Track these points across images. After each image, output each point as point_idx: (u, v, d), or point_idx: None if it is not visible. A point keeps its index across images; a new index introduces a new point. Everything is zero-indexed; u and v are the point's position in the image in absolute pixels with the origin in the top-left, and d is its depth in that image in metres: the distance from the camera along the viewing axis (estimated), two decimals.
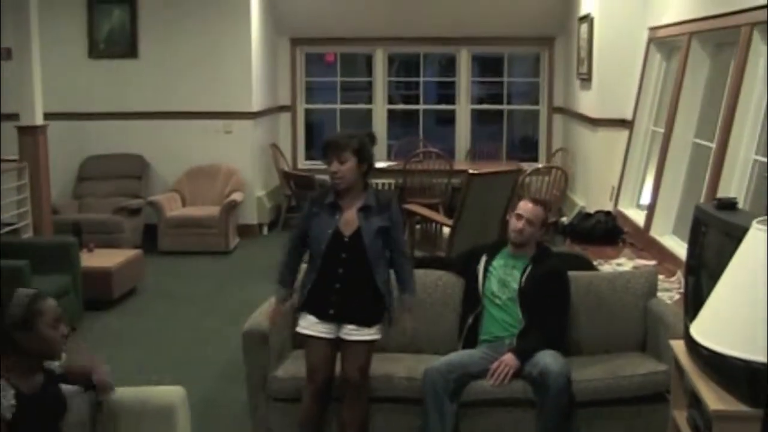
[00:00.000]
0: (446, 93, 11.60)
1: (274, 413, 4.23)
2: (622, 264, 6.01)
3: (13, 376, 2.87)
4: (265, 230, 9.98)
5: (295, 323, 4.10)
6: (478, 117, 11.54)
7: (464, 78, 11.11)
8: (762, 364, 1.92)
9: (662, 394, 4.00)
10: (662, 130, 7.09)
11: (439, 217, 7.59)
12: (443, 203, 9.44)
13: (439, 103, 12.12)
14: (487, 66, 12.13)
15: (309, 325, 3.92)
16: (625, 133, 8.16)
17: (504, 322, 4.30)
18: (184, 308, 7.04)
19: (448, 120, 11.50)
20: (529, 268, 4.32)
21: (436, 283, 4.63)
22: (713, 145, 5.86)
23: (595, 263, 5.48)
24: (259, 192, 9.99)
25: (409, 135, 11.44)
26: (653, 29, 7.65)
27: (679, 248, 6.09)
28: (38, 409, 2.91)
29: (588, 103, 9.00)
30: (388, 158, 10.84)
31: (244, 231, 9.59)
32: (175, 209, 9.15)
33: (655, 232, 6.74)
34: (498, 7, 10.31)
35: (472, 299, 4.42)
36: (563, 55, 10.63)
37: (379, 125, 11.21)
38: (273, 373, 4.22)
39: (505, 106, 11.45)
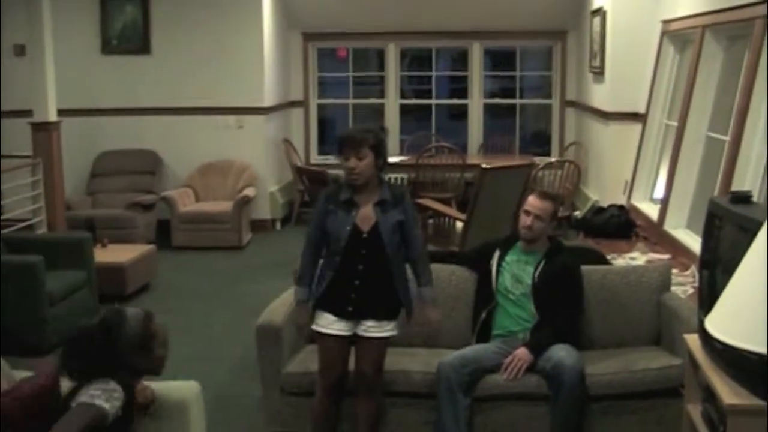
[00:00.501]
0: (458, 87, 11.57)
1: (287, 408, 4.24)
2: (636, 258, 5.99)
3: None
4: (278, 225, 9.99)
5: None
6: (490, 111, 11.51)
7: (476, 72, 11.09)
8: None
9: (676, 388, 3.99)
10: (675, 124, 7.06)
11: (452, 211, 7.58)
12: (456, 198, 9.43)
13: (451, 97, 12.10)
14: (500, 60, 12.10)
15: (327, 324, 3.86)
16: (638, 126, 8.13)
17: (517, 316, 4.30)
18: (197, 303, 7.06)
19: (460, 114, 11.48)
20: (542, 264, 4.30)
21: (449, 278, 4.62)
22: (727, 139, 5.83)
23: (608, 257, 5.46)
24: (272, 187, 10.00)
25: (422, 130, 11.43)
26: (666, 22, 7.61)
27: (693, 242, 6.07)
28: (123, 421, 2.95)
29: (601, 96, 8.97)
30: (401, 153, 10.82)
31: (257, 226, 9.60)
32: (188, 205, 9.17)
33: (668, 226, 6.72)
34: (510, 0, 10.29)
35: (486, 294, 4.41)
36: (576, 49, 10.59)
37: (392, 120, 11.20)
38: (286, 367, 4.23)
39: (517, 100, 11.43)
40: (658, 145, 7.82)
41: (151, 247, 7.71)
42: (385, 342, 3.96)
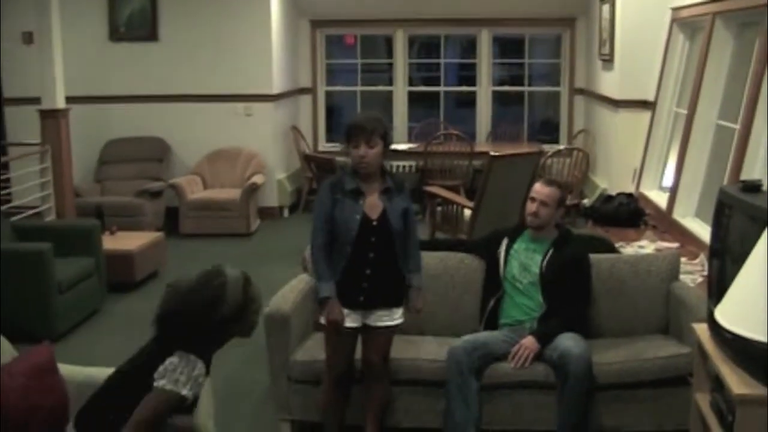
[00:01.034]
0: (467, 75, 11.54)
1: (295, 395, 4.25)
2: (645, 246, 5.97)
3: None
4: (286, 213, 10.00)
5: (314, 307, 4.09)
6: (499, 99, 11.47)
7: (485, 59, 11.05)
8: None
9: (684, 377, 3.98)
10: (685, 112, 7.03)
11: (460, 199, 7.57)
12: (464, 185, 9.42)
13: (459, 85, 12.05)
14: (508, 47, 12.04)
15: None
16: (648, 114, 8.09)
17: (525, 306, 4.29)
18: None
19: (468, 102, 11.45)
20: (550, 252, 4.30)
21: (458, 267, 4.63)
22: (737, 127, 5.81)
23: (617, 246, 5.45)
24: (280, 175, 10.00)
25: (430, 117, 11.40)
26: (676, 9, 7.57)
27: (702, 231, 6.05)
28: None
29: (610, 84, 8.94)
30: (409, 140, 10.82)
31: (265, 213, 9.61)
32: (196, 192, 9.18)
33: (677, 215, 6.70)
34: None
35: (494, 283, 4.41)
36: (585, 36, 10.55)
37: (400, 107, 11.19)
38: (294, 355, 4.24)
39: (526, 88, 11.39)
40: (667, 133, 7.79)
41: (159, 234, 7.71)
42: (394, 330, 3.97)
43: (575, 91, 10.81)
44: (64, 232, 6.49)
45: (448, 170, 9.55)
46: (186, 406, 2.88)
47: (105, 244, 6.70)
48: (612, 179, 8.68)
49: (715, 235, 3.52)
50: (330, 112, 11.38)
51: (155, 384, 2.79)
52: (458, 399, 4.03)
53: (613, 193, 7.47)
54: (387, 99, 11.31)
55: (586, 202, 8.40)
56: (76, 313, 6.18)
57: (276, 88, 9.81)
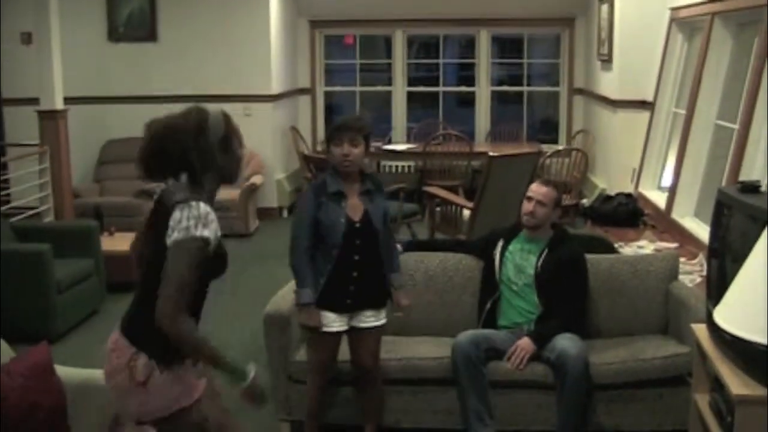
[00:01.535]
0: (466, 75, 11.55)
1: (295, 395, 4.24)
2: (644, 246, 5.98)
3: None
4: (285, 213, 9.99)
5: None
6: (498, 99, 11.48)
7: (484, 59, 11.05)
8: None
9: (683, 377, 3.98)
10: (684, 112, 7.03)
11: (459, 199, 7.57)
12: (463, 186, 9.41)
13: (458, 85, 12.06)
14: (507, 47, 12.05)
15: (328, 323, 3.83)
16: (646, 114, 8.10)
17: (521, 308, 4.29)
18: None
19: (468, 102, 11.45)
20: (545, 253, 4.29)
21: (456, 267, 4.63)
22: (736, 127, 5.81)
23: (616, 246, 5.46)
24: (279, 175, 10.00)
25: (429, 117, 11.40)
26: (675, 9, 7.57)
27: (701, 230, 6.05)
28: (220, 246, 2.82)
29: (609, 84, 8.94)
30: (408, 141, 10.82)
31: (264, 214, 9.61)
32: None
33: (676, 215, 6.70)
34: None
35: (490, 284, 4.40)
36: (584, 36, 10.55)
37: (399, 107, 11.20)
38: (294, 355, 4.23)
39: (525, 88, 11.39)
40: (666, 133, 7.80)
41: None
42: (381, 331, 3.97)
43: (574, 91, 10.82)
44: (63, 232, 6.49)
45: (447, 170, 9.55)
46: (217, 260, 2.77)
47: (104, 245, 6.69)
48: (611, 179, 8.68)
49: (714, 235, 3.52)
50: (329, 112, 11.38)
51: (168, 242, 2.64)
52: (471, 389, 4.03)
53: (612, 193, 7.48)
54: (386, 99, 11.32)
55: (585, 202, 8.41)
56: (75, 314, 6.18)
57: (275, 88, 9.81)
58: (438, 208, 7.47)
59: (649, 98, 8.08)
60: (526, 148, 9.04)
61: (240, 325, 6.07)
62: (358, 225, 3.79)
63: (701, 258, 5.45)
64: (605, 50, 8.92)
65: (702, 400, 3.32)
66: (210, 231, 2.67)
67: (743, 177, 5.23)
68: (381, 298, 3.94)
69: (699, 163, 6.65)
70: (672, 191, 6.90)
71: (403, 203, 7.83)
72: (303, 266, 3.80)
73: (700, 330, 3.36)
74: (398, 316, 4.07)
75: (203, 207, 2.67)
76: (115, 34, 9.70)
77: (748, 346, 2.61)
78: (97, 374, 3.43)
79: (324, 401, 4.10)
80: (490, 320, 4.37)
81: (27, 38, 8.99)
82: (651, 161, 7.94)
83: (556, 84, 11.11)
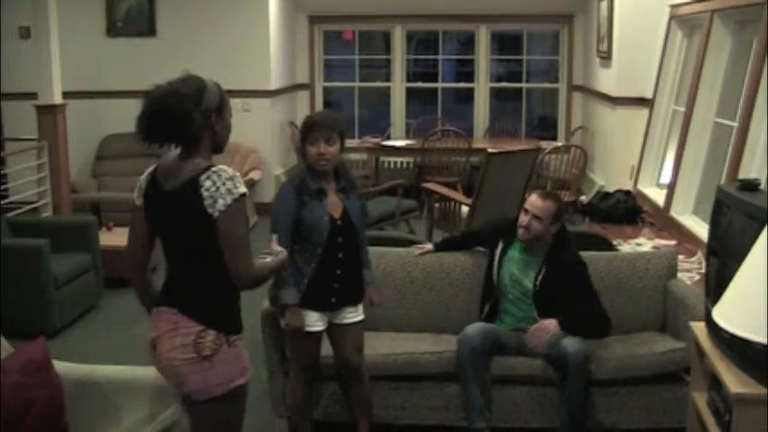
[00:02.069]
0: (465, 71, 11.54)
1: (292, 392, 4.23)
2: (642, 244, 5.98)
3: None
4: None
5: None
6: (496, 95, 11.47)
7: (483, 56, 11.05)
8: None
9: (680, 375, 3.99)
10: (683, 109, 7.03)
11: (458, 196, 7.57)
12: (462, 182, 9.41)
13: (457, 81, 12.04)
14: (506, 43, 12.03)
15: (312, 323, 3.81)
16: (645, 111, 8.09)
17: (516, 317, 4.26)
18: None
19: (466, 98, 11.44)
20: (543, 270, 4.17)
21: (453, 264, 4.61)
22: (735, 124, 5.81)
23: (614, 243, 5.45)
24: (278, 170, 9.99)
25: (428, 113, 11.38)
26: (674, 6, 7.56)
27: (700, 228, 6.05)
28: None
29: (608, 81, 8.94)
30: (407, 137, 10.81)
31: (263, 209, 9.57)
32: None
33: (675, 212, 6.70)
34: None
35: (489, 287, 4.37)
36: (583, 33, 10.54)
37: (398, 103, 11.19)
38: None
39: (524, 84, 11.38)
40: (665, 131, 7.79)
41: None
42: (362, 326, 3.96)
43: (573, 87, 10.81)
44: (61, 227, 6.48)
45: (446, 167, 9.55)
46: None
47: (102, 240, 6.67)
48: (609, 176, 8.68)
49: (712, 233, 3.52)
50: (328, 107, 11.35)
51: (213, 211, 2.73)
52: (474, 381, 4.03)
53: (611, 190, 7.47)
54: (385, 95, 11.31)
55: (583, 199, 8.40)
56: (73, 309, 6.17)
57: (274, 83, 9.79)
58: (436, 205, 7.47)
59: (648, 95, 8.07)
60: (524, 145, 9.04)
61: None
62: (339, 222, 3.78)
63: (699, 256, 5.45)
64: (604, 47, 8.91)
65: (700, 399, 3.32)
66: (243, 185, 2.77)
67: (742, 175, 5.23)
68: (360, 293, 3.94)
69: (698, 160, 6.64)
70: (670, 189, 6.90)
71: (402, 199, 7.83)
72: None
73: (699, 328, 3.36)
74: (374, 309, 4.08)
75: (224, 167, 2.77)
76: (113, 29, 9.69)
77: (747, 345, 2.61)
78: (96, 369, 3.43)
79: (311, 398, 4.10)
80: (491, 320, 4.34)
81: (25, 32, 8.97)
82: (650, 158, 7.93)
83: (555, 81, 11.10)
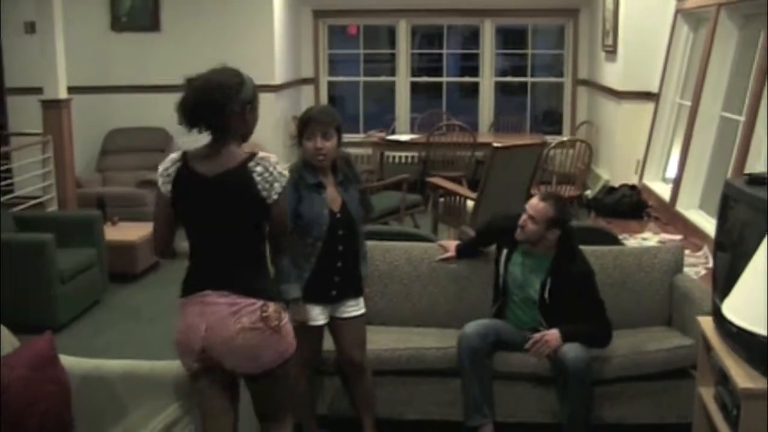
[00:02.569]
0: (470, 65, 11.52)
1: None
2: (648, 239, 5.96)
3: None
4: None
5: None
6: (501, 89, 11.46)
7: (488, 50, 11.03)
8: None
9: (688, 370, 3.97)
10: (689, 103, 7.01)
11: (463, 190, 7.55)
12: (467, 176, 9.40)
13: (462, 75, 12.02)
14: (511, 38, 12.01)
15: (314, 317, 3.79)
16: (651, 105, 8.07)
17: (521, 319, 4.22)
18: None
19: (471, 92, 11.43)
20: (549, 280, 4.10)
21: (461, 260, 4.58)
22: (741, 119, 5.79)
23: (620, 238, 5.43)
24: (282, 165, 9.96)
25: (432, 108, 11.38)
26: (680, 0, 7.54)
27: (706, 223, 6.03)
28: None
29: (613, 75, 8.91)
30: (411, 131, 10.80)
31: None
32: None
33: (680, 206, 6.68)
34: None
35: (497, 288, 4.33)
36: (588, 27, 10.52)
37: (402, 98, 11.18)
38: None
39: (529, 79, 11.37)
40: (670, 125, 7.77)
41: None
42: (364, 319, 3.95)
43: (578, 82, 10.79)
44: (66, 222, 6.48)
45: (451, 161, 9.54)
46: None
47: (107, 235, 6.68)
48: (615, 171, 8.66)
49: (720, 228, 3.50)
50: (332, 102, 11.36)
51: (271, 194, 3.01)
52: (474, 380, 4.02)
53: (616, 184, 7.46)
54: (389, 89, 11.30)
55: (588, 193, 8.40)
56: (78, 304, 6.17)
57: (278, 78, 9.78)
58: (441, 199, 7.46)
59: (654, 90, 8.05)
60: (529, 139, 9.02)
61: None
62: (339, 215, 3.78)
63: (706, 250, 5.44)
64: (610, 41, 8.89)
65: (707, 394, 3.31)
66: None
67: (748, 169, 5.21)
68: (360, 285, 3.93)
69: (704, 155, 6.62)
70: (676, 183, 6.88)
71: (407, 194, 7.82)
72: (284, 262, 3.69)
73: (706, 323, 3.34)
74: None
75: (267, 154, 3.08)
76: (118, 24, 9.69)
77: (756, 339, 2.59)
78: (102, 364, 3.42)
79: (314, 393, 4.09)
80: (500, 316, 4.30)
81: (30, 27, 8.98)
82: (655, 153, 7.91)
83: (560, 75, 11.09)
